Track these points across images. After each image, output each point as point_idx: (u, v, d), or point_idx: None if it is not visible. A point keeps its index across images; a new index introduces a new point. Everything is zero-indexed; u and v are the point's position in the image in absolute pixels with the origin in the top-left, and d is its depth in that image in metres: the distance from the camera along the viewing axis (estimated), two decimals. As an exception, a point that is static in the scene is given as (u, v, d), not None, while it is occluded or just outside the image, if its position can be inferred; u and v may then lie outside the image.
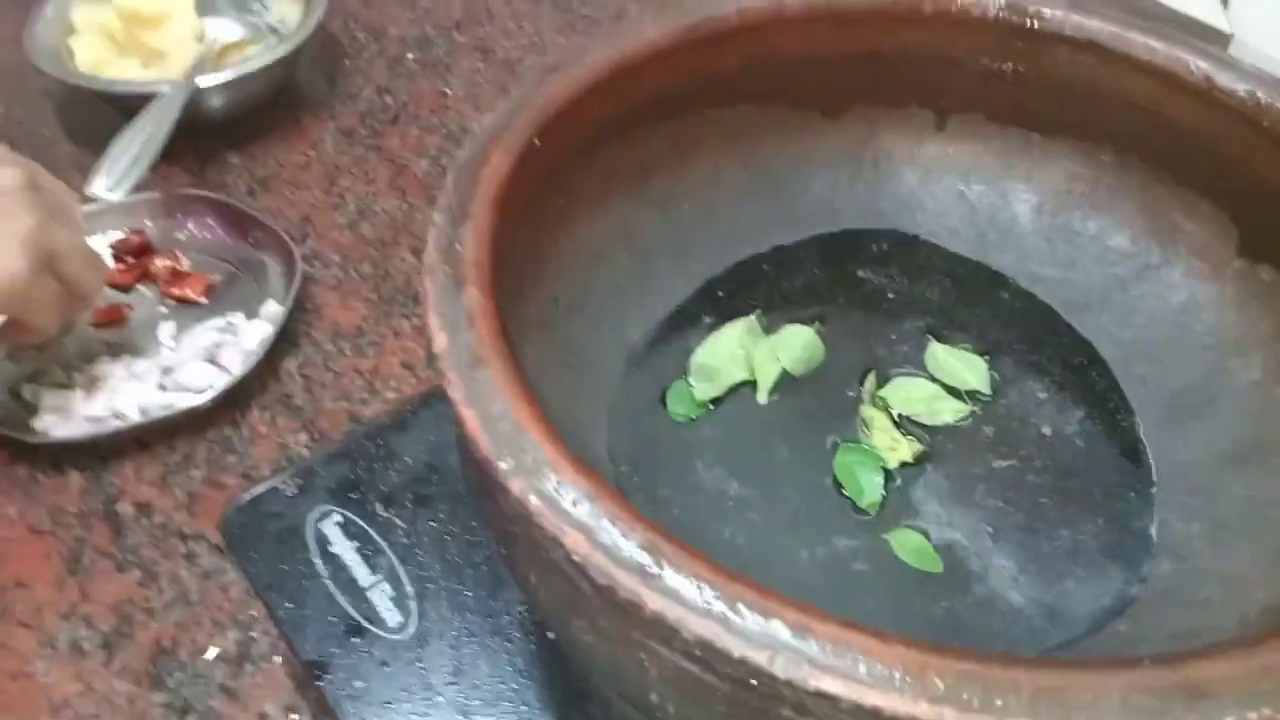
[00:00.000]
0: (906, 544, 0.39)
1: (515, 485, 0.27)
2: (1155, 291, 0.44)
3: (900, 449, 0.41)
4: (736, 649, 0.24)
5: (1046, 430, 0.42)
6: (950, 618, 0.37)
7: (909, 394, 0.44)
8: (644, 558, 0.25)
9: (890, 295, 0.47)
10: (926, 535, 0.39)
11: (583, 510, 0.26)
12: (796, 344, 0.45)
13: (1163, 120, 0.43)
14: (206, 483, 0.58)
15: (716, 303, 0.47)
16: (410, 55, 0.90)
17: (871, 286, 0.47)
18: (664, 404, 0.43)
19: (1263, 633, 0.25)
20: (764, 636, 0.24)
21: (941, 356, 0.45)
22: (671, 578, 0.25)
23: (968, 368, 0.44)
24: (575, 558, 0.26)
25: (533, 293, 0.43)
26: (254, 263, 0.69)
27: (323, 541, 0.46)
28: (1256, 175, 0.40)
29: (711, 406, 0.43)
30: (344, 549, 0.46)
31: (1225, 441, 0.40)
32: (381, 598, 0.44)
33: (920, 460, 0.41)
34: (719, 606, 0.25)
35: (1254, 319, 0.41)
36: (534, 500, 0.27)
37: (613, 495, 0.27)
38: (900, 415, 0.43)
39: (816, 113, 0.49)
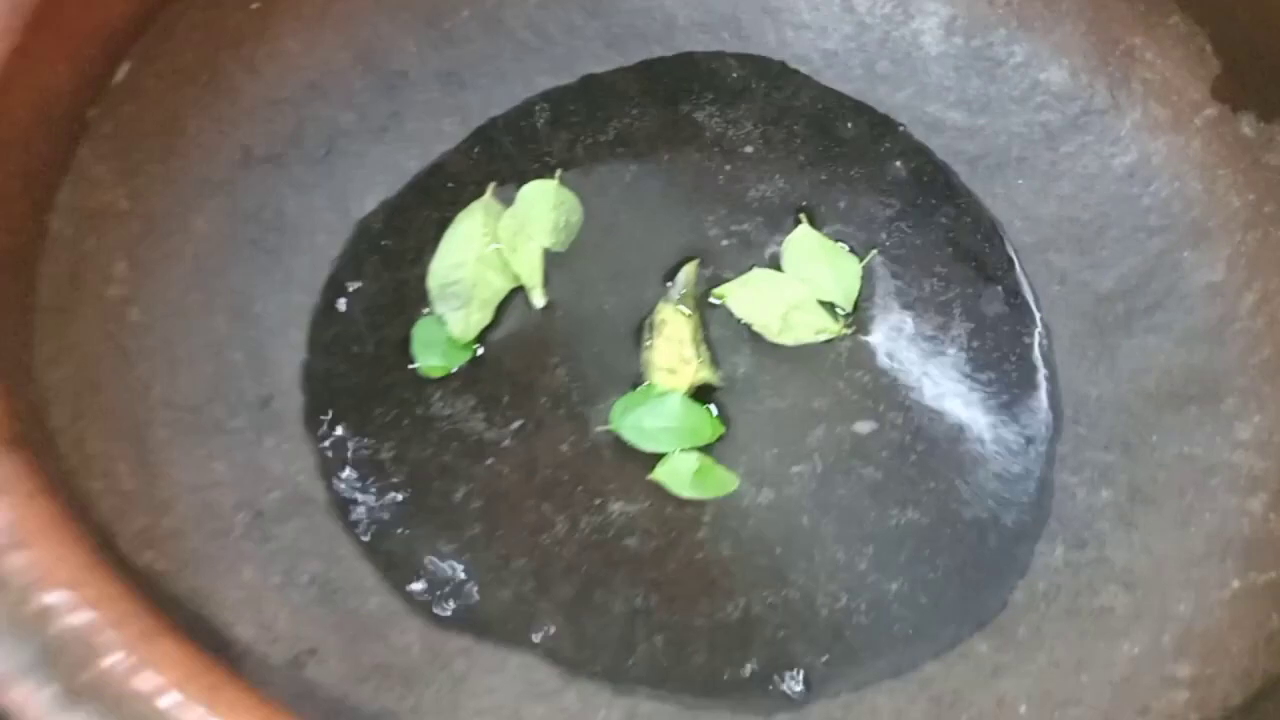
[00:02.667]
0: (679, 472, 0.28)
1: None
2: (1094, 148, 0.31)
3: (681, 373, 0.29)
4: None
5: (918, 354, 0.30)
6: (748, 624, 0.26)
7: (762, 298, 0.31)
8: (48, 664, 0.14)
9: (737, 150, 0.34)
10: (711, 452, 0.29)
11: None
12: (540, 206, 0.32)
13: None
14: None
15: (495, 155, 0.34)
16: None
17: (712, 136, 0.34)
18: (410, 355, 0.30)
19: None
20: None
21: (806, 247, 0.32)
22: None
23: (834, 271, 0.31)
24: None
25: (207, 139, 0.31)
26: None
27: None
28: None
29: (479, 348, 0.30)
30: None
31: (1162, 372, 0.28)
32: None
33: (704, 394, 0.30)
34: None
35: (1225, 194, 0.29)
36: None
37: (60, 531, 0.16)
38: (739, 328, 0.31)
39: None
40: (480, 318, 0.30)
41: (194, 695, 0.14)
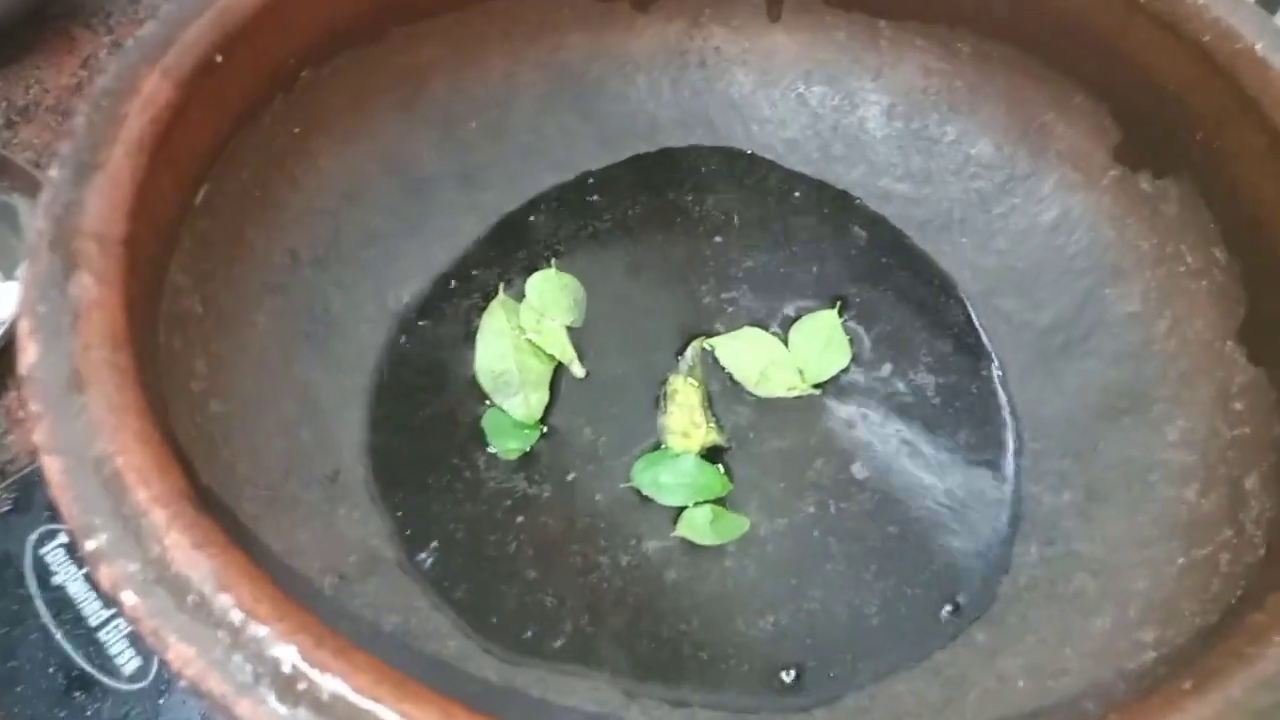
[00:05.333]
0: (698, 524, 0.32)
1: (105, 573, 0.19)
2: (1022, 208, 0.37)
3: (693, 436, 0.34)
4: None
5: (892, 393, 0.35)
6: (777, 636, 0.30)
7: (745, 355, 0.36)
8: (268, 679, 0.18)
9: (719, 229, 0.39)
10: (723, 503, 0.33)
11: (196, 605, 0.18)
12: (549, 293, 0.36)
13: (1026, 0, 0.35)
14: (-49, 483, 0.48)
15: (512, 246, 0.38)
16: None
17: (696, 218, 0.39)
18: (484, 442, 0.34)
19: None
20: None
21: (819, 324, 0.36)
22: (309, 704, 0.18)
23: (822, 352, 0.36)
24: (184, 681, 0.18)
25: (262, 246, 0.34)
26: (9, 213, 0.58)
27: (43, 571, 0.37)
28: (1135, 64, 0.33)
29: (544, 428, 0.34)
30: (70, 578, 0.37)
31: (1099, 390, 0.33)
32: (115, 638, 0.36)
33: (714, 455, 0.34)
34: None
35: (1133, 239, 0.34)
36: (129, 597, 0.19)
37: (253, 576, 0.19)
38: (726, 380, 0.36)
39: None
40: (539, 398, 0.34)
41: (372, 693, 0.18)
